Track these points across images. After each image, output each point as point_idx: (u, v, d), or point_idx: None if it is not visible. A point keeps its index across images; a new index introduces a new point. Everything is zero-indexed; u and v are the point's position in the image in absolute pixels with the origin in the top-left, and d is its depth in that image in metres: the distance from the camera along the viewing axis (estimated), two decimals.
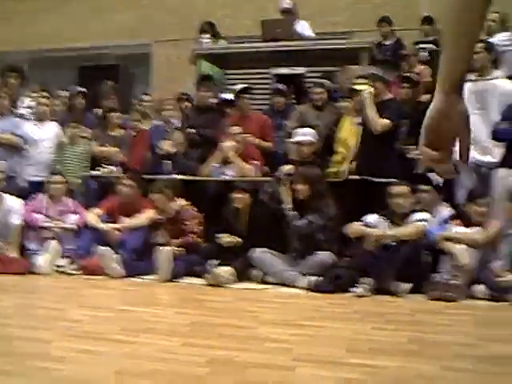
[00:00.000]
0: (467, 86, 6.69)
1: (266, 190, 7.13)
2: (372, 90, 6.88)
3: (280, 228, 6.90)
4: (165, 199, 7.02)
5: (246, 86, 8.74)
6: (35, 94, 8.69)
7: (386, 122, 6.77)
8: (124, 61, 12.19)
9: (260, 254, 6.49)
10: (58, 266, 6.87)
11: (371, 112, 6.77)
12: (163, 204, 7.04)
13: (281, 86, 9.29)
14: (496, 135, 6.42)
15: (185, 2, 13.31)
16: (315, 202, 6.44)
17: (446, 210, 6.58)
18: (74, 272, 6.80)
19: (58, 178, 7.58)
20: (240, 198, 6.92)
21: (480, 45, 6.77)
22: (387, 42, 10.06)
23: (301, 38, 9.45)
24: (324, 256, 6.31)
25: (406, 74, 8.70)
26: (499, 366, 3.53)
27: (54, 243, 6.97)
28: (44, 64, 13.58)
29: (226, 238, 6.80)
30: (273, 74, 10.28)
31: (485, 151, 6.66)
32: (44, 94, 8.71)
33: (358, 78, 8.06)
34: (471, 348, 3.93)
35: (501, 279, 5.54)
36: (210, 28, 10.09)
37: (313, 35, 9.82)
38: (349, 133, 7.44)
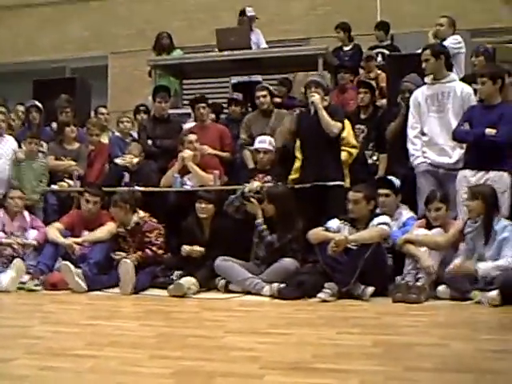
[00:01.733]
0: (422, 90, 6.80)
1: (232, 203, 7.11)
2: (319, 95, 6.90)
3: (242, 238, 6.92)
4: (125, 212, 6.97)
5: (201, 95, 8.73)
6: None
7: (339, 123, 6.84)
8: (80, 73, 12.09)
9: (223, 262, 6.47)
10: (20, 283, 6.76)
11: (325, 116, 6.78)
12: (123, 217, 6.99)
13: (235, 95, 9.29)
14: (457, 136, 6.50)
15: (139, 12, 13.29)
16: (283, 220, 6.47)
17: (406, 213, 6.64)
18: (35, 288, 6.71)
19: (16, 193, 7.49)
20: (203, 208, 6.90)
21: (427, 51, 6.87)
22: (346, 48, 10.13)
23: (257, 46, 9.52)
24: (287, 263, 6.32)
25: (363, 79, 8.79)
26: (462, 364, 3.56)
27: (17, 261, 6.86)
28: None
29: (188, 249, 6.77)
30: (231, 83, 10.32)
31: (442, 153, 6.74)
32: (0, 108, 8.61)
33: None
34: (435, 348, 3.96)
35: (451, 268, 5.64)
36: (158, 45, 10.10)
37: (265, 45, 9.89)
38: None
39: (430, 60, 6.80)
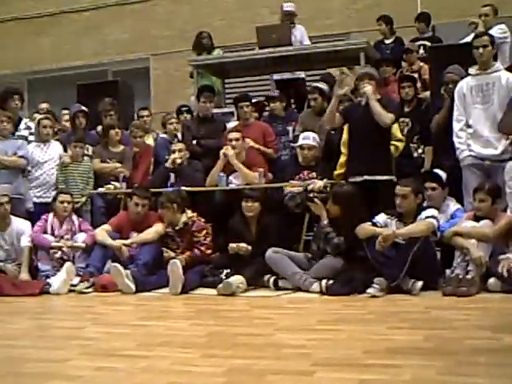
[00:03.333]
0: (467, 81, 6.70)
1: (293, 198, 7.10)
2: (372, 86, 6.85)
3: (289, 234, 6.92)
4: (172, 212, 7.02)
5: (243, 93, 8.75)
6: (37, 115, 8.69)
7: (392, 115, 6.79)
8: (122, 76, 12.21)
9: (274, 254, 6.44)
10: (70, 285, 6.86)
11: (377, 107, 6.74)
12: (171, 217, 7.04)
13: (272, 93, 9.30)
14: (502, 128, 6.41)
15: (178, 14, 13.36)
16: (349, 220, 6.31)
17: (453, 205, 6.57)
18: (86, 290, 6.80)
19: (64, 197, 7.57)
20: (250, 207, 6.91)
21: (485, 38, 6.77)
22: (387, 41, 10.05)
23: (300, 43, 9.51)
24: (335, 259, 6.30)
25: (405, 73, 8.72)
26: None
27: (68, 264, 6.97)
28: (43, 84, 13.65)
29: (235, 246, 6.78)
30: (273, 80, 10.32)
31: (487, 145, 6.65)
32: (47, 115, 8.74)
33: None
34: (487, 342, 3.92)
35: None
36: (198, 44, 10.13)
37: (308, 42, 9.85)
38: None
39: (488, 47, 6.68)
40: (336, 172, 7.31)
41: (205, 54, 10.06)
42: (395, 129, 7.43)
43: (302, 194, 7.06)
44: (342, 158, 7.31)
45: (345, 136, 7.32)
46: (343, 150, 7.34)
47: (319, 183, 7.10)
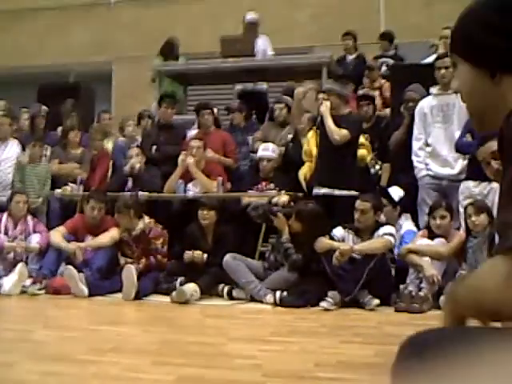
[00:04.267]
0: (428, 100, 6.81)
1: (257, 209, 7.10)
2: (329, 103, 6.91)
3: (244, 244, 6.93)
4: (129, 218, 6.98)
5: (205, 102, 8.76)
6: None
7: (345, 132, 6.75)
8: (85, 79, 12.14)
9: (232, 260, 6.43)
10: (22, 287, 6.78)
11: (329, 123, 6.79)
12: (127, 223, 7.00)
13: (234, 104, 9.32)
14: (459, 148, 6.52)
15: (144, 19, 13.33)
16: (309, 238, 6.29)
17: (405, 225, 6.64)
18: (38, 292, 6.72)
19: (19, 197, 7.49)
20: (205, 215, 6.90)
21: (447, 59, 6.87)
22: (350, 57, 10.14)
23: (263, 53, 9.54)
24: (290, 272, 6.33)
25: (363, 92, 8.80)
26: None
27: (21, 265, 6.87)
28: (3, 82, 13.48)
29: (190, 253, 6.77)
30: (235, 90, 10.34)
31: (445, 164, 6.76)
32: (5, 112, 8.64)
33: (319, 92, 8.16)
34: None
35: None
36: (169, 49, 10.09)
37: (271, 52, 9.89)
38: (313, 144, 7.50)
39: (450, 68, 6.79)
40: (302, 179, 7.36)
41: (170, 60, 10.02)
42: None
43: (265, 205, 7.08)
44: (306, 168, 7.38)
45: (307, 146, 7.39)
46: (305, 158, 7.39)
47: (283, 198, 7.12)
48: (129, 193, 7.60)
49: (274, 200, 7.09)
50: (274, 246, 6.69)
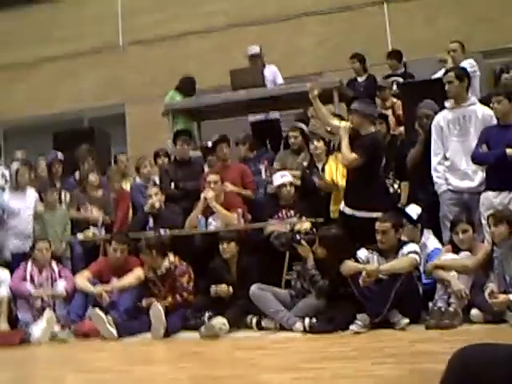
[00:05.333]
0: (443, 115, 6.79)
1: (279, 237, 7.10)
2: (349, 124, 6.87)
3: (269, 274, 6.91)
4: (152, 257, 6.98)
5: (222, 135, 8.80)
6: (15, 164, 8.66)
7: (353, 156, 6.58)
8: (98, 123, 12.25)
9: (258, 290, 6.41)
10: (51, 333, 6.78)
11: (342, 146, 6.73)
12: (151, 262, 7.00)
13: (239, 137, 9.33)
14: (476, 159, 6.50)
15: (152, 59, 13.45)
16: (335, 262, 6.23)
17: (431, 244, 6.58)
18: (67, 338, 6.72)
19: (42, 244, 7.52)
20: (226, 249, 6.89)
21: (451, 73, 6.89)
22: (360, 79, 10.16)
23: (273, 83, 9.59)
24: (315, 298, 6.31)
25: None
26: None
27: (48, 312, 6.89)
28: (19, 132, 13.64)
29: (216, 288, 6.75)
30: (249, 122, 10.37)
31: (464, 177, 6.73)
32: (23, 162, 8.73)
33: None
34: None
35: (495, 301, 5.52)
36: (190, 85, 10.11)
37: (281, 80, 9.92)
38: (334, 171, 7.48)
39: (454, 83, 6.78)
40: (332, 208, 7.36)
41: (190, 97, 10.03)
42: None
43: (288, 234, 7.06)
44: (335, 194, 7.39)
45: (329, 173, 7.41)
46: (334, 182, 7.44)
47: (305, 224, 7.11)
48: (151, 231, 7.62)
49: (297, 227, 7.09)
50: (299, 273, 6.67)
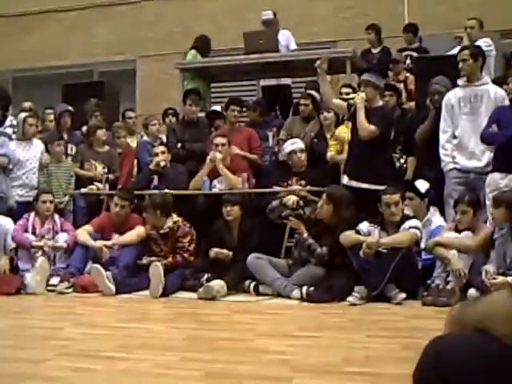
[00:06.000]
0: (455, 92, 6.75)
1: (273, 210, 7.11)
2: (364, 95, 6.84)
3: (270, 239, 6.93)
4: (156, 216, 6.99)
5: (234, 97, 8.76)
6: (22, 114, 8.63)
7: (373, 128, 6.64)
8: (109, 77, 12.20)
9: (255, 259, 6.45)
10: (50, 285, 6.82)
11: (360, 117, 6.72)
12: (155, 221, 7.02)
13: (249, 102, 9.30)
14: (485, 138, 6.46)
15: (166, 16, 13.35)
16: (338, 225, 6.30)
17: (436, 220, 6.59)
18: (66, 291, 6.76)
19: (46, 196, 7.52)
20: (230, 211, 6.91)
21: (466, 51, 6.82)
22: (374, 50, 10.09)
23: (286, 48, 9.52)
24: (315, 268, 6.31)
25: (388, 82, 8.75)
26: None
27: (41, 260, 6.91)
28: (28, 82, 13.59)
29: (215, 251, 6.78)
30: (260, 86, 10.33)
31: (472, 156, 6.70)
32: (31, 113, 8.71)
33: (343, 86, 8.14)
34: None
35: (493, 281, 5.54)
36: (206, 44, 10.03)
37: (294, 46, 9.85)
38: (342, 131, 7.49)
39: (468, 61, 6.73)
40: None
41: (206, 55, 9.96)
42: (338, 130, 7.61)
43: (280, 207, 7.06)
44: (333, 149, 7.62)
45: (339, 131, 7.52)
46: (334, 142, 7.60)
47: (292, 198, 7.10)
48: (155, 191, 7.62)
49: (283, 202, 7.08)
50: (297, 242, 6.68)
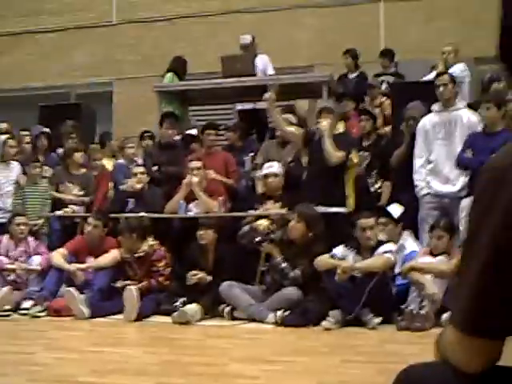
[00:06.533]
0: (429, 118, 6.82)
1: (244, 236, 7.09)
2: (328, 122, 6.93)
3: (246, 264, 6.91)
4: (132, 240, 6.95)
5: (211, 122, 8.78)
6: (2, 136, 8.61)
7: (341, 154, 6.81)
8: (86, 99, 12.18)
9: (228, 287, 6.44)
10: (23, 309, 6.75)
11: (327, 144, 6.81)
12: (131, 245, 6.98)
13: (231, 123, 9.33)
14: (460, 163, 6.53)
15: (144, 39, 13.37)
16: (309, 246, 6.34)
17: (409, 245, 6.61)
18: (39, 314, 6.69)
19: (20, 219, 7.48)
20: (204, 235, 6.89)
21: (445, 76, 6.92)
22: (351, 75, 10.14)
23: (263, 72, 9.56)
24: (291, 291, 6.28)
25: (363, 107, 8.82)
26: None
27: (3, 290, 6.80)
28: (2, 104, 13.51)
29: (192, 275, 6.74)
30: (236, 110, 10.35)
31: (446, 181, 6.75)
32: (10, 135, 8.68)
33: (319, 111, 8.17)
34: None
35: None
36: (182, 66, 10.05)
37: (272, 71, 9.89)
38: None
39: (449, 86, 6.81)
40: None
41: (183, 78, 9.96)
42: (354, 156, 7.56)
43: (251, 232, 7.05)
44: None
45: None
46: None
47: (263, 224, 7.09)
48: (131, 214, 7.58)
49: (254, 226, 7.07)
50: (270, 267, 6.65)
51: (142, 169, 8.06)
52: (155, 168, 8.43)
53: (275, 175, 7.55)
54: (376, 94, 9.38)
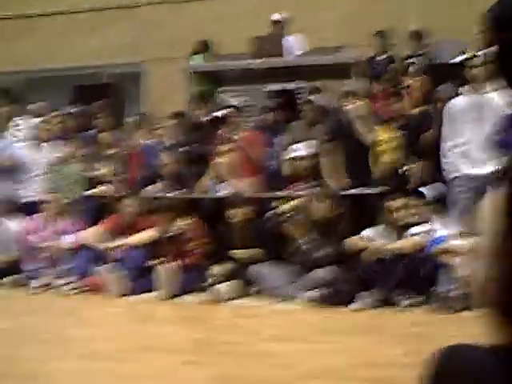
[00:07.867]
0: (459, 100, 6.76)
1: (269, 220, 7.13)
2: (360, 104, 6.93)
3: (278, 241, 6.94)
4: (166, 219, 7.01)
5: (236, 103, 8.79)
6: (35, 118, 8.69)
7: (373, 135, 6.88)
8: (117, 79, 12.23)
9: (259, 268, 6.48)
10: (56, 287, 6.84)
11: (361, 125, 6.81)
12: (165, 223, 7.04)
13: (270, 103, 9.32)
14: (494, 145, 6.47)
15: (175, 19, 13.36)
16: (334, 226, 6.39)
17: (439, 229, 6.59)
18: (72, 292, 6.78)
19: (53, 197, 7.56)
20: (234, 214, 6.94)
21: (476, 59, 6.83)
22: (380, 57, 10.07)
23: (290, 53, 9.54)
24: (324, 271, 6.32)
25: (393, 90, 8.76)
26: None
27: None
28: (37, 84, 13.61)
29: (236, 253, 6.80)
30: (266, 91, 10.33)
31: (476, 164, 6.71)
32: (43, 116, 8.76)
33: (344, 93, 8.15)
34: None
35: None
36: (203, 48, 10.08)
37: (302, 50, 9.85)
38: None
39: (479, 68, 6.75)
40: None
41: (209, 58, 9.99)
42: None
43: (276, 216, 7.08)
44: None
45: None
46: None
47: (284, 206, 7.11)
48: (163, 194, 7.63)
49: (279, 210, 7.11)
50: (297, 248, 6.66)
51: (168, 154, 8.12)
52: (185, 148, 8.46)
53: (301, 158, 7.56)
54: (405, 75, 9.31)
